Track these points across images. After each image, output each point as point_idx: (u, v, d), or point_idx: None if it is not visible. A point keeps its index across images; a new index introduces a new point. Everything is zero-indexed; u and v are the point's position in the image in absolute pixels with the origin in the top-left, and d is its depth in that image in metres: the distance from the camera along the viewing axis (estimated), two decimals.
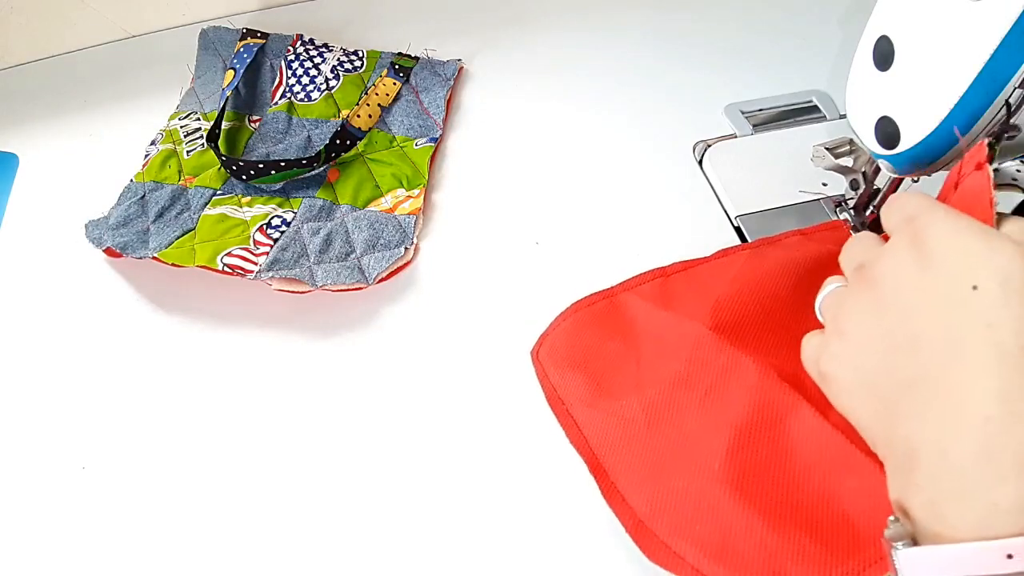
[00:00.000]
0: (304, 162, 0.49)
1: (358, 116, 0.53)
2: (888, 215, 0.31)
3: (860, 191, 0.45)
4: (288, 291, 0.44)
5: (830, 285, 0.33)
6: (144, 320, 0.45)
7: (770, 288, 0.39)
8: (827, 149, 0.45)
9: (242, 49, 0.56)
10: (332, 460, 0.40)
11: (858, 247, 0.32)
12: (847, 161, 0.45)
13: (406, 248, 0.46)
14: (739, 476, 0.31)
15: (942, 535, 0.23)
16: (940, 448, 0.24)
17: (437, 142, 0.52)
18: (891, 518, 0.24)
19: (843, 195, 0.48)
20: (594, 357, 0.39)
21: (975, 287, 0.24)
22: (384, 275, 0.45)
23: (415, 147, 0.52)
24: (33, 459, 0.40)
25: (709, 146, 0.53)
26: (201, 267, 0.44)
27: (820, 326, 0.34)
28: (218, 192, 0.49)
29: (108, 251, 0.46)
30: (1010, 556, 0.21)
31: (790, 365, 0.34)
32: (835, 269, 0.39)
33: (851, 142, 0.45)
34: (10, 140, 0.54)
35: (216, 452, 0.40)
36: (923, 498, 0.24)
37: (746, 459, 0.32)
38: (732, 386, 0.34)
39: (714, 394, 0.34)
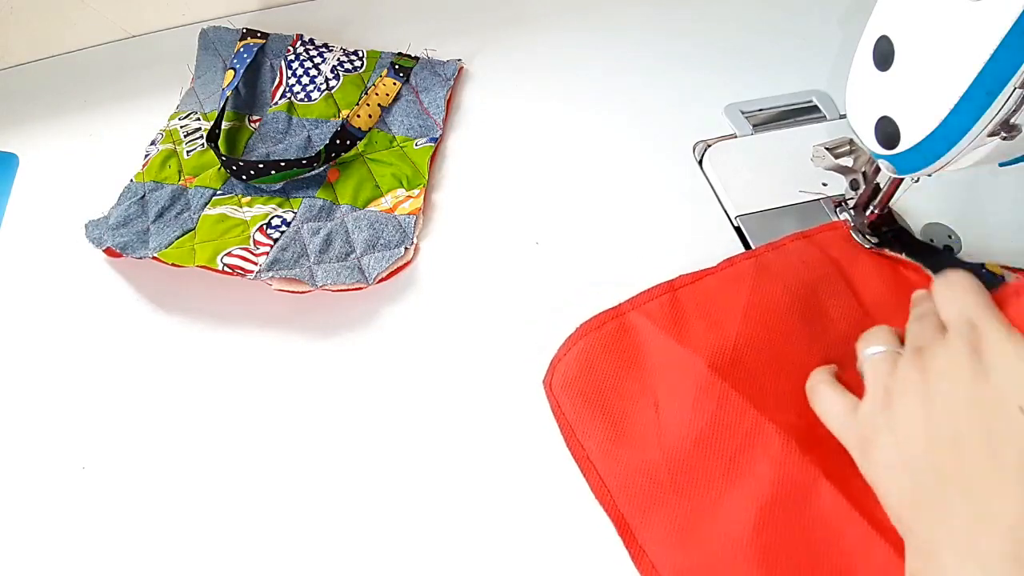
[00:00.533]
0: (304, 162, 0.49)
1: (358, 116, 0.53)
2: (946, 304, 0.33)
3: (860, 191, 0.45)
4: (288, 291, 0.44)
5: (876, 346, 0.35)
6: (144, 320, 0.45)
7: (781, 327, 0.40)
8: (827, 149, 0.45)
9: (242, 49, 0.56)
10: (332, 460, 0.40)
11: (919, 330, 0.34)
12: (847, 161, 0.45)
13: (406, 248, 0.46)
14: (763, 552, 0.32)
15: None
16: (966, 545, 0.27)
17: (437, 142, 0.52)
18: None
19: (843, 195, 0.48)
20: (610, 394, 0.39)
21: (1022, 408, 0.28)
22: (384, 275, 0.45)
23: (415, 147, 0.52)
24: (33, 459, 0.40)
25: (709, 146, 0.53)
26: (201, 267, 0.44)
27: (831, 357, 0.38)
28: (218, 192, 0.49)
29: (108, 251, 0.46)
30: None
31: (807, 417, 0.36)
32: (836, 282, 0.42)
33: (851, 142, 0.45)
34: (10, 140, 0.54)
35: (216, 452, 0.40)
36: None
37: (770, 536, 0.33)
38: (757, 456, 0.35)
39: (739, 463, 0.35)
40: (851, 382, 0.36)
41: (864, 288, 0.42)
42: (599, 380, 0.40)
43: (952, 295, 0.33)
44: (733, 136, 0.54)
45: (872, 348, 0.35)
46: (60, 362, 0.43)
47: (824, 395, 0.35)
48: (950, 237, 0.47)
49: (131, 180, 0.50)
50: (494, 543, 0.37)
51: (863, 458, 0.32)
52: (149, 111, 0.54)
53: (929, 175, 0.38)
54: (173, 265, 0.45)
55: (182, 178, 0.50)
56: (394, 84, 0.55)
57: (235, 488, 0.39)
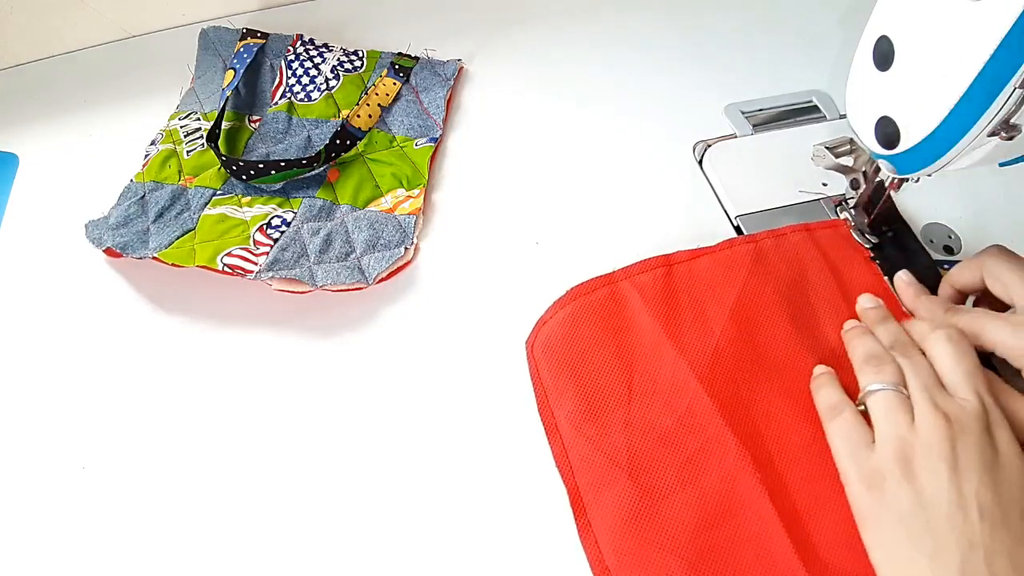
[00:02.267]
0: (304, 162, 0.49)
1: (358, 116, 0.53)
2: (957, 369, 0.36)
3: (860, 191, 0.45)
4: (288, 291, 0.44)
5: (880, 383, 0.36)
6: (144, 320, 0.45)
7: (767, 327, 0.41)
8: (827, 148, 0.45)
9: (242, 49, 0.56)
10: (332, 460, 0.40)
11: (928, 381, 0.36)
12: (847, 161, 0.45)
13: (406, 248, 0.46)
14: (697, 555, 0.34)
15: None
16: None
17: (437, 142, 0.52)
18: None
19: (843, 195, 0.48)
20: (588, 365, 0.40)
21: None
22: (384, 275, 0.45)
23: (415, 147, 0.52)
24: (33, 459, 0.40)
25: (709, 146, 0.53)
26: (201, 267, 0.44)
27: (815, 361, 0.40)
28: (218, 192, 0.49)
29: (108, 251, 0.46)
30: None
31: (772, 427, 0.38)
32: (828, 286, 0.43)
33: (851, 142, 0.45)
34: (10, 140, 0.54)
35: (217, 452, 0.40)
36: None
37: (706, 542, 0.35)
38: (712, 463, 0.37)
39: (695, 465, 0.37)
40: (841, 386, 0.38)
41: (855, 294, 0.43)
42: (580, 349, 0.40)
43: (962, 359, 0.36)
44: (733, 136, 0.54)
45: (876, 384, 0.36)
46: (60, 362, 0.43)
47: (847, 420, 0.36)
48: (950, 237, 0.47)
49: (131, 180, 0.50)
50: (494, 542, 0.37)
51: (867, 496, 0.34)
52: (149, 111, 0.54)
53: (929, 175, 0.38)
54: (173, 265, 0.45)
55: (182, 178, 0.50)
56: (394, 84, 0.55)
57: (235, 487, 0.39)
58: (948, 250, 0.46)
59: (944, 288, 0.42)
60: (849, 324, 0.41)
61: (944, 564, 0.31)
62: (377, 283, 0.45)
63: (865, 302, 0.41)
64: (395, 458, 0.39)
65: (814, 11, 0.59)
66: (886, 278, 0.44)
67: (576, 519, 0.37)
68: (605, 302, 0.42)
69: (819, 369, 0.39)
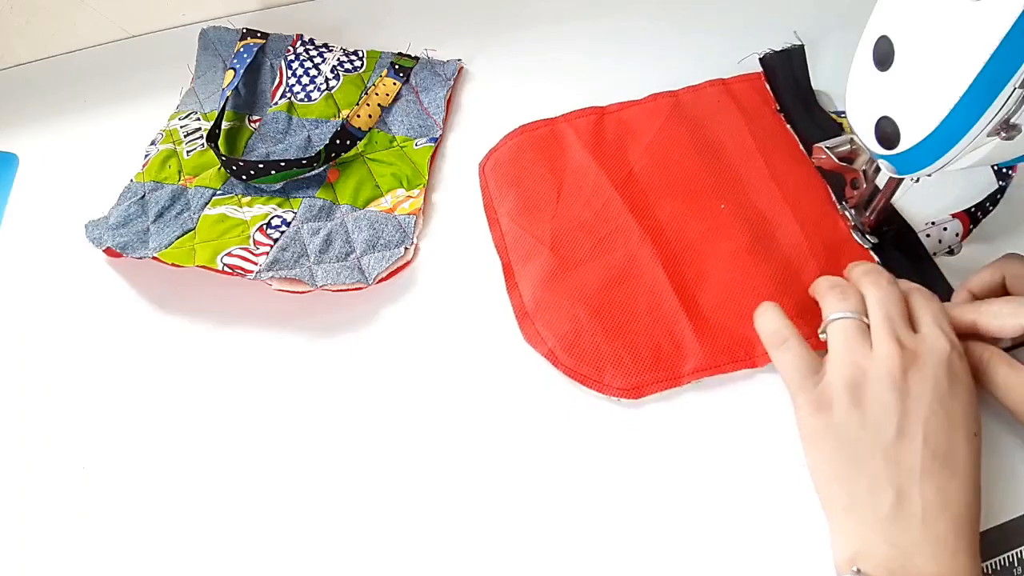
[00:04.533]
0: (304, 162, 0.49)
1: (358, 116, 0.53)
2: (926, 312, 0.37)
3: (860, 190, 0.45)
4: (288, 291, 0.44)
5: (841, 312, 0.37)
6: (144, 320, 0.45)
7: (677, 158, 0.50)
8: (827, 148, 0.45)
9: (242, 49, 0.56)
10: (332, 460, 0.40)
11: (892, 316, 0.37)
12: (847, 161, 0.45)
13: (406, 248, 0.46)
14: (598, 305, 0.44)
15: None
16: (925, 519, 0.32)
17: (437, 142, 0.52)
18: (853, 570, 0.32)
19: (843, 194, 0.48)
20: (526, 179, 0.49)
21: (976, 434, 0.35)
22: (384, 275, 0.45)
23: (415, 147, 0.52)
24: (33, 459, 0.40)
25: None
26: (201, 267, 0.44)
27: (721, 184, 0.48)
28: (218, 192, 0.49)
29: (108, 251, 0.46)
30: None
31: (671, 224, 0.47)
32: (738, 128, 0.51)
33: (851, 142, 0.45)
34: (10, 140, 0.54)
35: (217, 451, 0.40)
36: (901, 553, 0.32)
37: (608, 296, 0.44)
38: (617, 241, 0.46)
39: (603, 243, 0.46)
40: (735, 222, 0.46)
41: (762, 134, 0.51)
42: (521, 168, 0.50)
43: (931, 305, 0.37)
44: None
45: (838, 312, 0.37)
46: (60, 362, 0.43)
47: (791, 351, 0.38)
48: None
49: (131, 180, 0.50)
50: (493, 541, 0.37)
51: (814, 418, 0.35)
52: (149, 111, 0.54)
53: (929, 175, 0.38)
54: (173, 265, 0.45)
55: (182, 178, 0.50)
56: (394, 84, 0.55)
57: (236, 487, 0.39)
58: (948, 251, 0.46)
59: (961, 294, 0.42)
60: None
61: (882, 487, 0.33)
62: (377, 283, 0.45)
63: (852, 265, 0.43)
64: (395, 458, 0.40)
65: (814, 11, 0.59)
66: (788, 126, 0.51)
67: (507, 282, 0.45)
68: (546, 136, 0.52)
69: (764, 305, 0.40)
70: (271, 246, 0.46)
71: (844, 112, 0.51)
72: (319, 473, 0.39)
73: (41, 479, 0.39)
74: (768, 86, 0.53)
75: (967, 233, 0.46)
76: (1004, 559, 0.36)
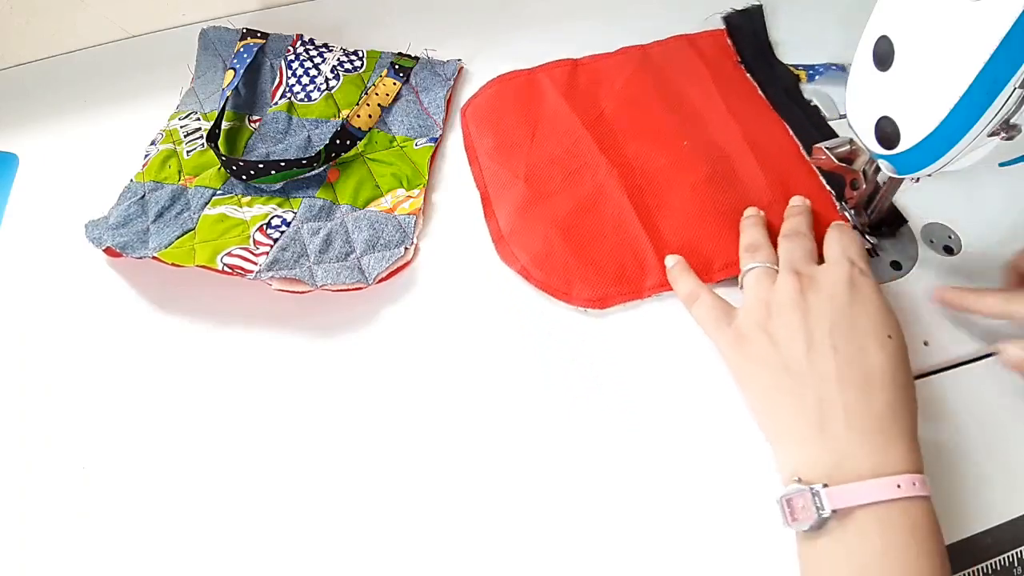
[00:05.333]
0: (304, 162, 0.49)
1: (358, 116, 0.53)
2: (834, 243, 0.42)
3: (860, 190, 0.45)
4: (288, 291, 0.44)
5: (754, 263, 0.42)
6: (144, 320, 0.45)
7: (643, 102, 0.54)
8: (827, 149, 0.45)
9: (242, 49, 0.56)
10: (332, 459, 0.40)
11: (794, 253, 0.41)
12: (847, 161, 0.45)
13: (406, 248, 0.46)
14: (567, 228, 0.47)
15: (849, 479, 0.33)
16: (850, 422, 0.34)
17: (437, 142, 0.52)
18: (794, 480, 0.34)
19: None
20: (503, 122, 0.53)
21: (891, 336, 0.37)
22: (384, 275, 0.45)
23: (415, 147, 0.52)
24: (33, 459, 0.40)
25: None
26: (201, 267, 0.44)
27: (684, 124, 0.52)
28: (218, 192, 0.49)
29: (108, 251, 0.46)
30: (898, 486, 0.32)
31: (636, 160, 0.50)
32: (702, 77, 0.55)
33: (851, 142, 0.45)
34: (10, 140, 0.54)
35: (217, 452, 0.40)
36: (834, 457, 0.34)
37: (577, 219, 0.47)
38: (586, 174, 0.50)
39: (573, 176, 0.50)
40: (696, 157, 0.50)
41: (723, 83, 0.55)
42: (499, 113, 0.54)
43: (842, 237, 0.41)
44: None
45: (751, 264, 0.42)
46: (60, 362, 0.43)
47: (704, 303, 0.42)
48: (950, 237, 0.47)
49: (131, 180, 0.50)
50: (494, 541, 0.37)
51: (735, 353, 0.39)
52: (149, 111, 0.54)
53: (929, 175, 0.38)
54: (173, 265, 0.45)
55: (182, 178, 0.50)
56: (394, 84, 0.55)
57: (235, 487, 0.39)
58: (948, 250, 0.46)
59: (1012, 273, 0.43)
60: (747, 212, 0.46)
61: (803, 399, 0.35)
62: (377, 283, 0.45)
63: (794, 200, 0.47)
64: (396, 457, 0.40)
65: (813, 11, 0.59)
66: (748, 75, 0.56)
67: (484, 211, 0.49)
68: (523, 84, 0.55)
69: (671, 260, 0.45)
70: (271, 246, 0.46)
71: (801, 65, 0.56)
72: (318, 472, 0.39)
73: (41, 479, 0.39)
74: (730, 41, 0.58)
75: None
76: (1004, 559, 0.36)
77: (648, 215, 0.47)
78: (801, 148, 0.50)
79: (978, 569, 0.36)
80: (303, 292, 0.44)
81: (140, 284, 0.46)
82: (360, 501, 0.38)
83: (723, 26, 0.58)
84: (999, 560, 0.36)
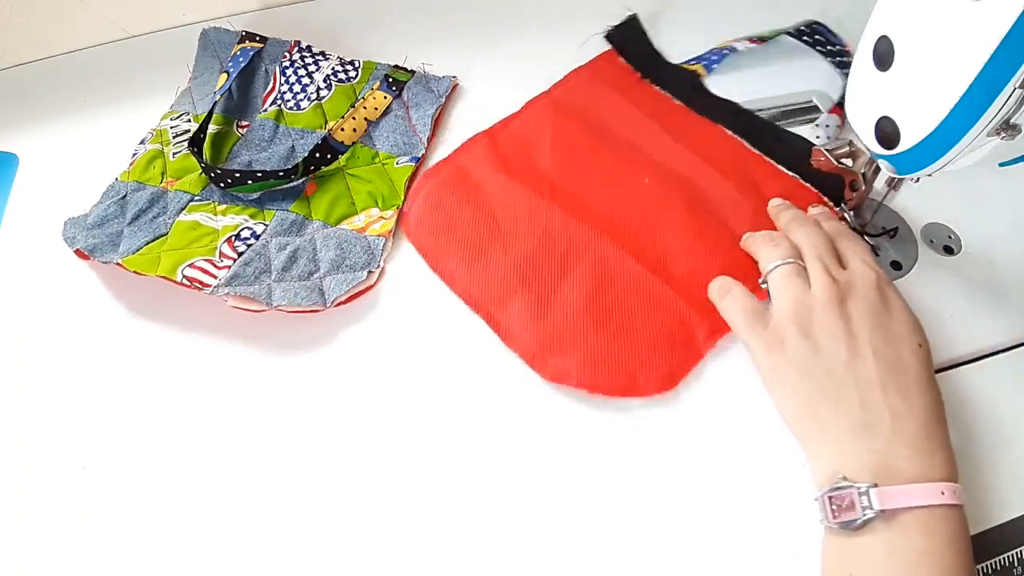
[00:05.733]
0: (281, 174, 0.48)
1: (342, 130, 0.51)
2: (849, 251, 0.41)
3: (860, 191, 0.45)
4: (242, 308, 0.43)
5: (778, 260, 0.40)
6: (145, 320, 0.45)
7: (584, 151, 0.51)
8: (827, 150, 0.45)
9: (239, 53, 0.56)
10: (331, 458, 0.39)
11: (818, 247, 0.40)
12: (847, 162, 0.45)
13: (369, 272, 0.45)
14: (595, 318, 0.43)
15: (895, 481, 0.33)
16: (895, 426, 0.34)
17: (419, 161, 0.51)
18: (838, 478, 0.33)
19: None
20: (457, 223, 0.48)
21: (921, 345, 0.37)
22: (343, 299, 0.44)
23: (396, 165, 0.51)
24: (33, 459, 0.40)
25: None
26: (161, 277, 0.43)
27: (632, 161, 0.49)
28: (196, 197, 0.48)
29: (78, 252, 0.45)
30: (943, 493, 0.32)
31: (618, 212, 0.47)
32: (620, 105, 0.53)
33: (851, 143, 0.45)
34: (10, 140, 0.54)
35: (217, 452, 0.40)
36: (879, 459, 0.33)
37: (598, 304, 0.43)
38: (578, 252, 0.45)
39: (566, 259, 0.45)
40: (664, 190, 0.48)
41: (642, 104, 0.53)
42: (446, 214, 0.48)
43: (855, 246, 0.41)
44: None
45: (774, 261, 0.40)
46: (60, 362, 0.43)
47: (737, 299, 0.41)
48: (950, 237, 0.47)
49: (116, 178, 0.49)
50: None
51: (771, 356, 0.38)
52: (149, 111, 0.54)
53: (929, 175, 0.38)
54: (135, 273, 0.44)
55: (164, 180, 0.49)
56: (385, 98, 0.54)
57: (235, 486, 0.39)
58: (948, 250, 0.46)
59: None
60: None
61: (847, 402, 0.35)
62: (336, 307, 0.44)
63: (774, 201, 0.46)
64: (395, 459, 0.39)
65: (814, 11, 0.59)
66: (656, 87, 0.54)
67: (497, 333, 0.43)
68: (453, 176, 0.50)
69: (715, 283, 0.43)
70: (235, 260, 0.45)
71: (693, 60, 0.56)
72: (318, 472, 0.39)
73: (41, 479, 0.39)
74: (622, 58, 0.56)
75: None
76: (1004, 559, 0.36)
77: (661, 268, 0.45)
78: (746, 144, 0.50)
79: (978, 569, 0.36)
80: (257, 311, 0.43)
81: (141, 284, 0.46)
82: (356, 499, 0.38)
83: (608, 46, 0.57)
84: (999, 560, 0.36)
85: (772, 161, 0.49)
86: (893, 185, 0.43)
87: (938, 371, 0.42)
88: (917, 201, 0.48)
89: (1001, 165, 0.48)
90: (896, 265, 0.46)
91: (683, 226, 0.46)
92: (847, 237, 0.42)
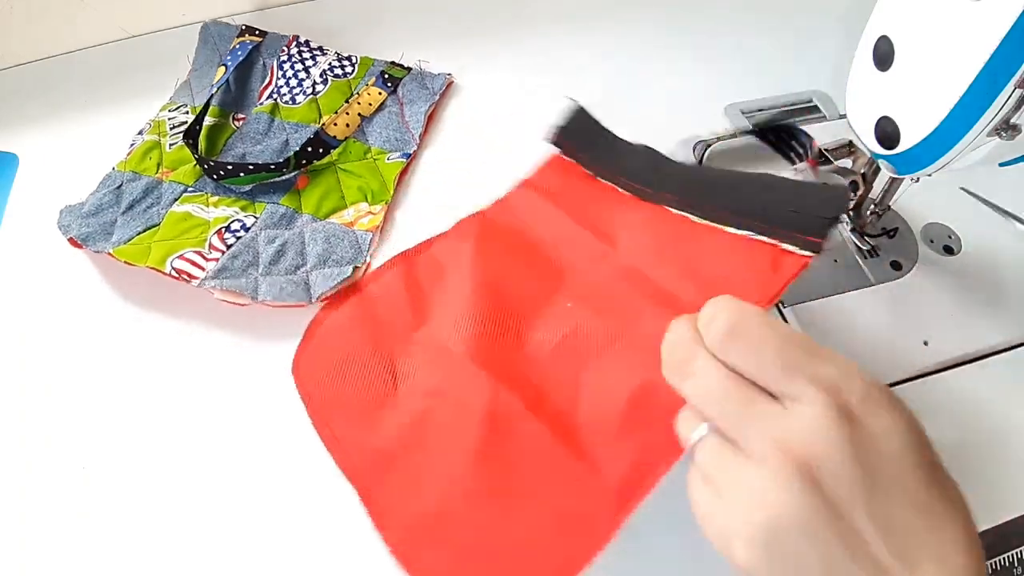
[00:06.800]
0: (273, 167, 0.48)
1: (334, 124, 0.52)
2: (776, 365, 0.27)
3: (859, 192, 0.45)
4: (229, 302, 0.43)
5: (701, 432, 0.28)
6: (145, 320, 0.45)
7: (509, 289, 0.42)
8: (827, 151, 0.45)
9: (237, 46, 0.56)
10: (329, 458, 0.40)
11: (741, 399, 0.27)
12: (846, 163, 0.45)
13: (355, 267, 0.45)
14: (482, 484, 0.35)
15: None
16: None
17: (410, 158, 0.51)
18: None
19: None
20: (348, 374, 0.41)
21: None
22: (329, 294, 0.44)
23: (387, 160, 0.51)
24: (33, 459, 0.40)
25: (709, 146, 0.53)
26: (150, 268, 0.44)
27: (556, 305, 0.40)
28: (189, 188, 0.49)
29: (71, 240, 0.46)
30: None
31: (529, 371, 0.39)
32: (562, 223, 0.45)
33: (850, 144, 0.45)
34: (10, 140, 0.54)
35: (217, 452, 0.40)
36: None
37: (485, 471, 0.35)
38: (470, 409, 0.37)
39: (459, 416, 0.37)
40: (585, 314, 0.39)
41: (580, 210, 0.45)
42: (340, 359, 0.41)
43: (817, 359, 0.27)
44: (733, 136, 0.54)
45: (698, 432, 0.28)
46: (60, 362, 0.43)
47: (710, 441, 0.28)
48: (950, 237, 0.47)
49: (112, 168, 0.49)
50: None
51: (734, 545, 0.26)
52: (149, 111, 0.54)
53: (929, 175, 0.38)
54: (126, 263, 0.44)
55: (160, 171, 0.50)
56: (380, 94, 0.54)
57: (235, 487, 0.39)
58: (948, 250, 0.46)
59: None
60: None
61: None
62: (320, 302, 0.44)
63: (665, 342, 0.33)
64: None
65: (814, 11, 0.59)
66: (603, 180, 0.46)
67: (369, 512, 0.36)
68: (353, 312, 0.43)
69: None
70: (223, 252, 0.45)
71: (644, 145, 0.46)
72: (318, 471, 0.39)
73: (41, 479, 0.39)
74: (569, 157, 0.48)
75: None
76: (1004, 559, 0.36)
77: (565, 425, 0.36)
78: (691, 216, 0.40)
79: None
80: (243, 304, 0.43)
81: (141, 284, 0.46)
82: (354, 499, 0.38)
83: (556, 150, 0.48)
84: (999, 560, 0.36)
85: (721, 226, 0.38)
86: (893, 185, 0.43)
87: (937, 371, 0.42)
88: (917, 201, 0.48)
89: (1001, 165, 0.48)
90: (896, 265, 0.46)
91: (598, 369, 0.37)
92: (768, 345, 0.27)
